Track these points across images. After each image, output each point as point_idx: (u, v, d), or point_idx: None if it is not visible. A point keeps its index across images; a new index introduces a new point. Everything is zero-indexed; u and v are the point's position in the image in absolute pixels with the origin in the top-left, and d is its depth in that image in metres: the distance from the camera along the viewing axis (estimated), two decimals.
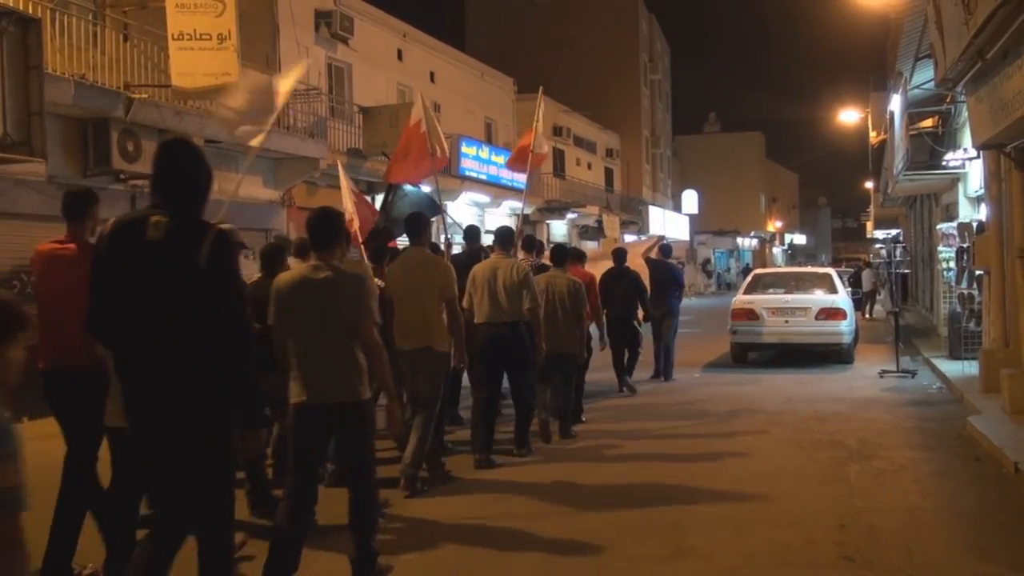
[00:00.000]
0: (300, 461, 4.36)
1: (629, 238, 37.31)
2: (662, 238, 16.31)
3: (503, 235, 7.66)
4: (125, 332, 3.37)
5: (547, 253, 9.72)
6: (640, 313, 11.26)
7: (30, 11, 9.92)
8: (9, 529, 2.19)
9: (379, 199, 14.15)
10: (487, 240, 9.22)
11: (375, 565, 4.39)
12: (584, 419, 9.19)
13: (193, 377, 3.29)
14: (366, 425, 4.42)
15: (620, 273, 11.18)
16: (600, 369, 10.94)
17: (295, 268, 5.03)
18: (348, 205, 9.21)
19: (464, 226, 9.78)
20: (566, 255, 9.09)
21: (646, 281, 11.52)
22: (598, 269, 11.11)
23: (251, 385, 3.46)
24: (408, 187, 9.77)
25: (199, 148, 3.66)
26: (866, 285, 26.12)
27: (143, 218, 3.36)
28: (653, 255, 13.00)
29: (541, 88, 11.53)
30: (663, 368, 12.51)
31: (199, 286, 3.28)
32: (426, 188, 12.06)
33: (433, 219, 9.16)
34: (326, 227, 4.47)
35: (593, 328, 9.74)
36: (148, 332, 3.31)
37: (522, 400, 7.55)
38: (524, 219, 27.22)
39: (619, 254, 11.60)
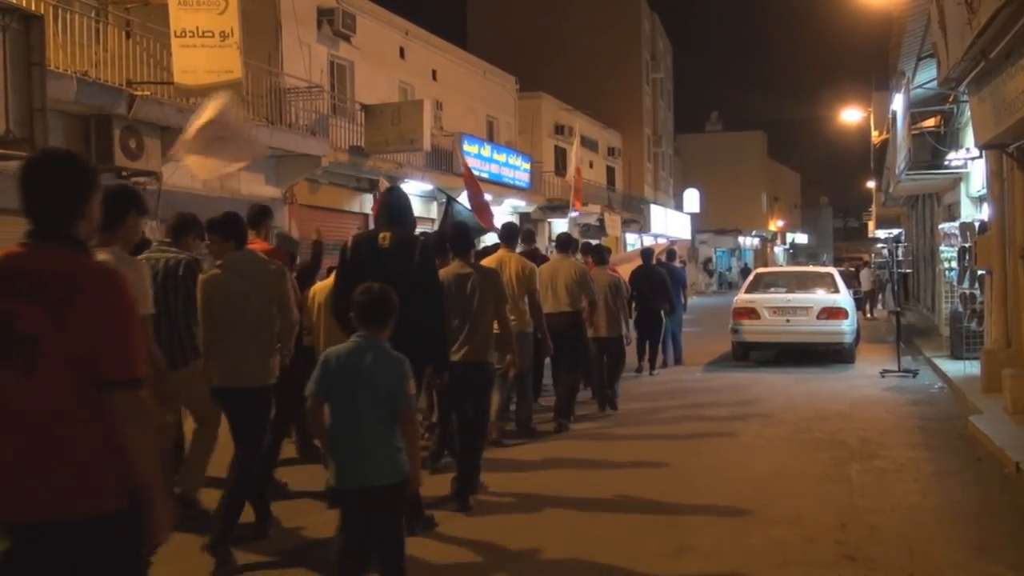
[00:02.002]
0: (454, 400, 6.15)
1: (631, 237, 37.33)
2: (672, 242, 17.57)
3: (563, 241, 9.35)
4: None
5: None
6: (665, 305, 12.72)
7: (33, 8, 9.92)
8: (413, 417, 3.77)
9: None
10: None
11: (478, 480, 6.10)
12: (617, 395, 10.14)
13: (408, 337, 4.44)
14: (489, 378, 6.27)
15: (646, 270, 12.53)
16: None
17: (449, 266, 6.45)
18: None
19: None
20: (607, 255, 10.56)
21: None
22: (625, 270, 12.61)
23: (444, 342, 5.26)
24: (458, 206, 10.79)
25: (403, 190, 5.59)
26: (865, 284, 26.08)
27: (375, 234, 5.12)
28: (663, 259, 14.44)
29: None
30: (673, 354, 13.81)
31: (413, 276, 4.91)
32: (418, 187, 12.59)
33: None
34: (463, 238, 6.40)
35: None
36: None
37: (573, 376, 8.84)
38: (526, 218, 27.33)
39: (647, 253, 13.17)
